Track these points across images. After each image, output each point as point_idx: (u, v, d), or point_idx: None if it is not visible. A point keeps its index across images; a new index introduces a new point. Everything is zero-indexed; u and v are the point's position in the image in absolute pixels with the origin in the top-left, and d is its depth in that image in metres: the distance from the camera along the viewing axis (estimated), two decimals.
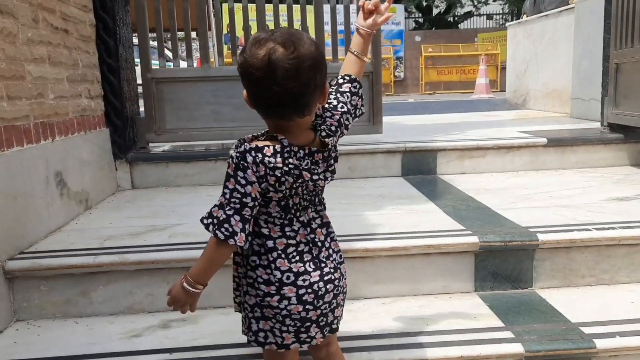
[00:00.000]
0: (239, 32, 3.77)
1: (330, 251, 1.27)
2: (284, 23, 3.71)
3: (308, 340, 1.25)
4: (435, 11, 26.25)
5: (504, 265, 1.99)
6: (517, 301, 1.91)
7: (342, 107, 1.27)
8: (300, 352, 1.37)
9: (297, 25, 3.69)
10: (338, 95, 1.29)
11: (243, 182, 1.14)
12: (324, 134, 1.21)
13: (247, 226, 1.16)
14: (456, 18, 25.84)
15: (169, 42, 4.05)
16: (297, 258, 1.21)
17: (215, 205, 1.17)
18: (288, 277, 1.20)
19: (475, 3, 25.73)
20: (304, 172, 1.17)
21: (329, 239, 1.27)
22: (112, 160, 3.03)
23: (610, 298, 1.92)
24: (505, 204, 2.49)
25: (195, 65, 3.65)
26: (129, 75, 3.14)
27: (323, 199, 1.29)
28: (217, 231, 1.15)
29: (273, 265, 1.20)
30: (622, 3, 3.31)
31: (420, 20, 25.17)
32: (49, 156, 2.25)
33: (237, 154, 1.14)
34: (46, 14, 2.31)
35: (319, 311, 1.23)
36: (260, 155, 1.13)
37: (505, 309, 1.85)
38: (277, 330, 1.23)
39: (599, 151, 3.35)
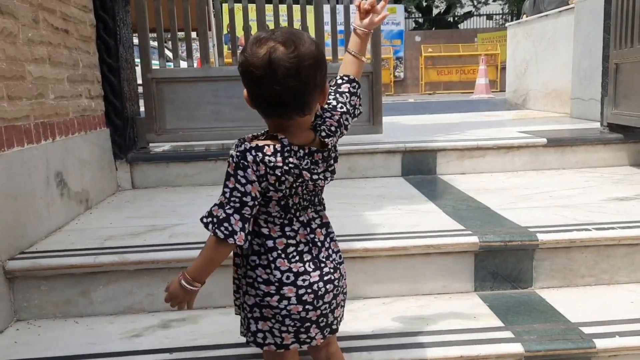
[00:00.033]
0: (239, 32, 3.77)
1: (330, 251, 1.27)
2: (284, 23, 3.71)
3: (308, 340, 1.25)
4: (435, 11, 26.25)
5: (504, 265, 2.00)
6: (517, 301, 1.91)
7: (341, 108, 1.27)
8: (300, 352, 1.37)
9: (297, 25, 3.69)
10: (337, 95, 1.29)
11: (243, 181, 1.14)
12: (323, 134, 1.22)
13: (246, 225, 1.16)
14: (456, 18, 25.84)
15: (169, 42, 4.05)
16: (297, 258, 1.21)
17: (215, 204, 1.17)
18: (288, 277, 1.20)
19: (475, 3, 25.73)
20: (304, 172, 1.17)
21: (328, 239, 1.27)
22: (112, 160, 3.03)
23: (610, 298, 1.92)
24: (505, 204, 2.49)
25: (195, 65, 3.65)
26: (129, 75, 3.14)
27: (323, 199, 1.30)
28: (216, 230, 1.15)
29: (273, 265, 1.20)
30: (622, 3, 3.31)
31: (420, 20, 25.17)
32: (50, 156, 2.25)
33: (238, 153, 1.15)
34: (46, 14, 2.31)
35: (318, 311, 1.23)
36: (260, 154, 1.14)
37: (505, 308, 1.85)
38: (277, 330, 1.23)
39: (599, 151, 3.35)
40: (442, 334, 1.68)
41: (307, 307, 1.21)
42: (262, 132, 1.23)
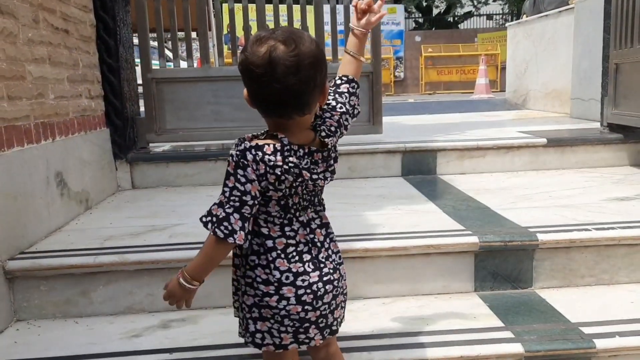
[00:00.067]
0: (239, 32, 3.77)
1: (330, 252, 1.27)
2: (284, 23, 3.71)
3: (307, 341, 1.25)
4: (435, 11, 26.25)
5: (504, 265, 2.00)
6: (517, 301, 1.91)
7: (340, 108, 1.27)
8: (300, 352, 1.37)
9: (297, 25, 3.68)
10: (336, 96, 1.29)
11: (243, 180, 1.14)
12: (323, 134, 1.22)
13: (246, 224, 1.16)
14: (456, 18, 25.84)
15: (169, 42, 4.05)
16: (297, 258, 1.21)
17: (214, 204, 1.17)
18: (287, 277, 1.20)
19: (475, 3, 25.73)
20: (304, 171, 1.17)
21: (328, 240, 1.27)
22: (112, 160, 3.03)
23: (610, 298, 1.92)
24: (505, 204, 2.49)
25: (195, 65, 3.65)
26: (129, 75, 3.14)
27: (322, 199, 1.29)
28: (216, 229, 1.15)
29: (272, 265, 1.20)
30: (622, 3, 3.31)
31: (420, 20, 25.17)
32: (50, 156, 2.25)
33: (237, 152, 1.15)
34: (46, 15, 2.31)
35: (318, 312, 1.23)
36: (260, 154, 1.14)
37: (505, 309, 1.85)
38: (276, 330, 1.22)
39: (599, 151, 3.35)
40: (442, 334, 1.68)
41: (306, 307, 1.21)
42: (262, 131, 1.23)
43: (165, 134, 3.40)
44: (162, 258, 1.92)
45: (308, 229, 1.24)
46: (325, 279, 1.23)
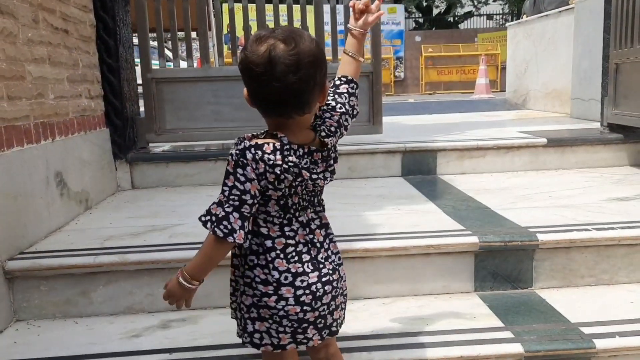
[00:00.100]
0: (239, 32, 3.77)
1: (329, 252, 1.27)
2: (284, 23, 3.71)
3: (305, 341, 1.25)
4: (435, 11, 26.25)
5: (504, 265, 2.00)
6: (517, 301, 1.91)
7: (340, 108, 1.28)
8: (299, 352, 1.37)
9: (297, 25, 3.69)
10: (336, 96, 1.29)
11: (242, 179, 1.14)
12: (323, 134, 1.22)
13: (246, 224, 1.16)
14: (456, 18, 25.84)
15: (169, 42, 4.05)
16: (296, 258, 1.21)
17: (214, 203, 1.17)
18: (286, 278, 1.19)
19: (475, 3, 25.73)
20: (303, 171, 1.17)
21: (327, 240, 1.27)
22: (112, 160, 3.03)
23: (610, 298, 1.92)
24: (505, 204, 2.49)
25: (195, 65, 3.65)
26: (129, 75, 3.14)
27: (322, 200, 1.29)
28: (215, 228, 1.15)
29: (271, 265, 1.19)
30: (622, 3, 3.31)
31: (421, 20, 25.17)
32: (49, 156, 2.25)
33: (237, 151, 1.14)
34: (46, 14, 2.31)
35: (316, 312, 1.22)
36: (259, 153, 1.14)
37: (504, 309, 1.85)
38: (274, 331, 1.22)
39: (599, 151, 3.35)
40: (442, 334, 1.68)
41: (305, 308, 1.20)
42: (262, 131, 1.23)
43: (165, 134, 3.40)
44: (162, 258, 1.92)
45: (307, 229, 1.23)
46: (324, 279, 1.23)
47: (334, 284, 1.25)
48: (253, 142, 1.15)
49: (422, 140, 3.41)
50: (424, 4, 25.45)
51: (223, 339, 1.69)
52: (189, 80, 3.40)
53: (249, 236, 1.19)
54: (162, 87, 3.37)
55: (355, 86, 1.33)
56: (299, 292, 1.20)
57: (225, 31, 7.63)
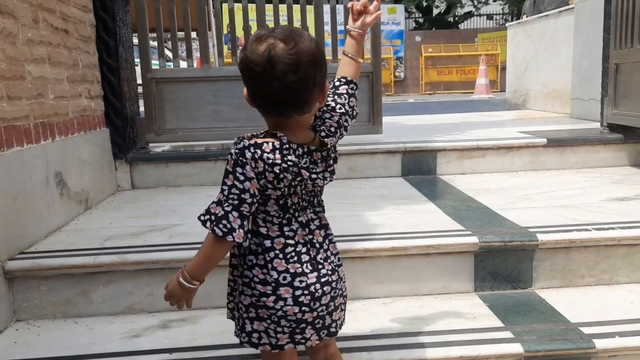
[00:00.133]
0: (239, 32, 3.77)
1: (329, 253, 1.27)
2: (284, 23, 3.70)
3: (302, 341, 1.24)
4: (435, 11, 26.26)
5: (504, 265, 2.00)
6: (517, 301, 1.91)
7: (340, 109, 1.28)
8: (299, 352, 1.37)
9: (297, 25, 3.69)
10: (335, 97, 1.30)
11: (242, 178, 1.14)
12: (323, 134, 1.22)
13: (245, 223, 1.16)
14: (456, 18, 25.85)
15: (169, 42, 4.05)
16: (295, 259, 1.21)
17: (213, 202, 1.17)
18: (285, 278, 1.19)
19: (475, 3, 25.74)
20: (303, 170, 1.17)
21: (327, 241, 1.27)
22: (112, 160, 3.03)
23: (610, 298, 1.92)
24: (505, 204, 2.49)
25: (195, 65, 3.65)
26: (129, 75, 3.14)
27: (322, 201, 1.29)
28: (215, 228, 1.15)
29: (270, 265, 1.19)
30: (622, 3, 3.31)
31: (421, 20, 25.17)
32: (49, 156, 2.25)
33: (236, 151, 1.15)
34: (46, 14, 2.31)
35: (315, 313, 1.22)
36: (259, 152, 1.14)
37: (504, 309, 1.85)
38: (272, 331, 1.22)
39: (599, 151, 3.35)
40: (442, 334, 1.68)
41: (303, 308, 1.20)
42: (262, 131, 1.23)
43: (165, 134, 3.40)
44: (162, 258, 1.92)
45: (307, 230, 1.23)
46: (323, 280, 1.23)
47: (333, 284, 1.25)
48: (252, 141, 1.15)
49: (422, 141, 3.41)
50: (424, 4, 25.46)
51: (223, 339, 1.69)
52: (189, 80, 3.40)
53: (249, 236, 1.19)
54: (162, 87, 3.37)
55: (354, 87, 1.33)
56: (298, 292, 1.20)
57: (225, 31, 7.63)
